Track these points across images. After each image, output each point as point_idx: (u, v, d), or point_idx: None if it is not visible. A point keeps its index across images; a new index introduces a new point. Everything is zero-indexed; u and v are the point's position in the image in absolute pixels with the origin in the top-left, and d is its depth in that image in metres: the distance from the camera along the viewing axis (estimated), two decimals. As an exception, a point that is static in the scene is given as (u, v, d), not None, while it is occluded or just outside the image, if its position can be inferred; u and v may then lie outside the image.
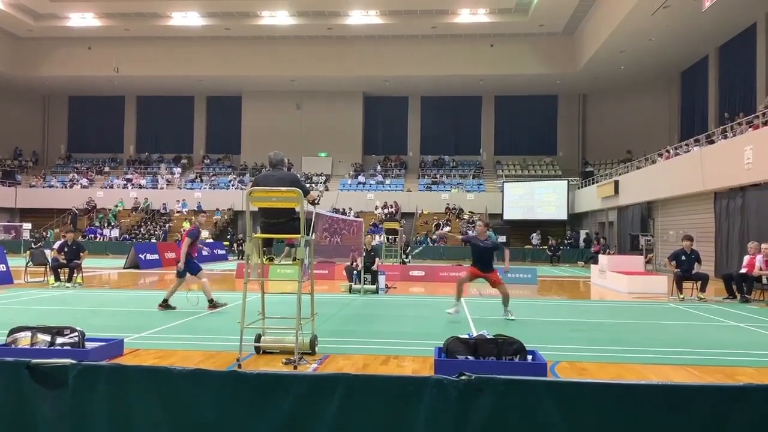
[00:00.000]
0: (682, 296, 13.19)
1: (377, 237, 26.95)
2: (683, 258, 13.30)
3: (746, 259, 13.38)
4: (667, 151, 25.18)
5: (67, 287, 13.99)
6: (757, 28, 24.08)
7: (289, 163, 32.85)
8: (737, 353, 7.29)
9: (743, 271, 13.23)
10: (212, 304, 10.31)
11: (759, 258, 12.88)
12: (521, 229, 34.41)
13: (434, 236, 31.42)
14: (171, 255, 23.66)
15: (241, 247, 29.16)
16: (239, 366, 5.91)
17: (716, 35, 26.22)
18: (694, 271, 13.27)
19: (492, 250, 10.02)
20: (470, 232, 9.50)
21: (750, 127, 18.83)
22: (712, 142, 21.25)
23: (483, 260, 9.97)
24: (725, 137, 20.42)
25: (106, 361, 5.58)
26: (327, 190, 35.67)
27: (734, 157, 17.87)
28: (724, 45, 27.04)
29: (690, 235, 14.02)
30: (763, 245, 12.97)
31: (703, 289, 13.20)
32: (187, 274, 10.39)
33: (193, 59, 36.53)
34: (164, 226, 35.06)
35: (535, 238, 33.25)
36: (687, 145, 23.80)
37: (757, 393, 2.95)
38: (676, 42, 27.26)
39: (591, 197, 32.31)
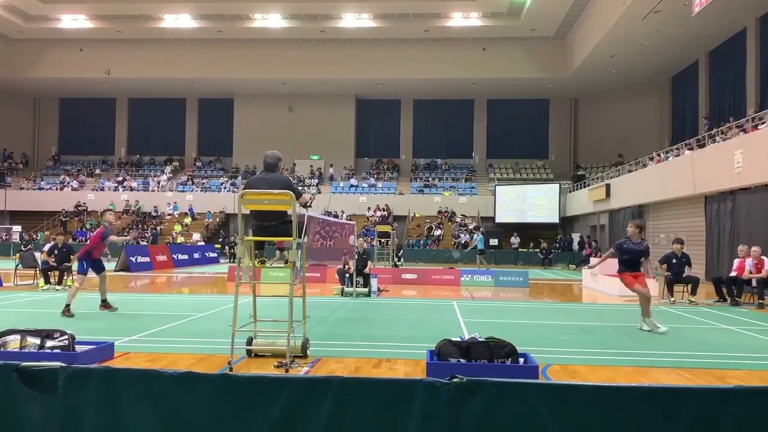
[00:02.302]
0: (672, 299, 13.24)
1: (362, 240, 26.90)
2: (674, 261, 13.37)
3: (736, 262, 13.46)
4: (658, 155, 25.32)
5: (57, 290, 13.89)
6: (747, 33, 24.28)
7: (291, 171, 32.25)
8: (727, 356, 7.33)
9: (733, 274, 13.31)
10: (67, 309, 9.68)
11: (749, 261, 12.96)
12: (511, 232, 34.48)
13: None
14: (162, 258, 23.58)
15: (232, 250, 29.06)
16: (230, 369, 5.89)
17: (706, 40, 26.41)
18: (684, 275, 13.34)
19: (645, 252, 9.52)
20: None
21: (740, 131, 18.97)
22: (702, 146, 21.39)
23: (636, 263, 9.42)
24: (714, 141, 20.57)
25: (97, 364, 5.54)
26: (319, 192, 35.65)
27: (724, 161, 17.99)
28: (715, 50, 27.24)
29: (681, 239, 14.10)
30: (753, 249, 13.04)
31: (693, 293, 13.27)
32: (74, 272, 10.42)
33: (184, 61, 36.45)
34: (155, 229, 34.89)
35: (515, 241, 33.11)
36: (678, 149, 23.95)
37: (747, 395, 2.96)
38: (667, 46, 27.45)
39: (582, 201, 32.42)
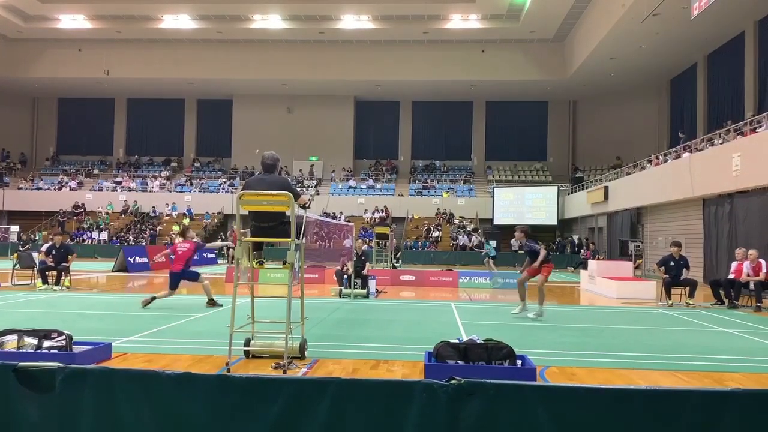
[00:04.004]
0: (670, 302, 13.26)
1: (360, 241, 26.87)
2: (672, 264, 13.38)
3: (734, 265, 13.48)
4: (657, 158, 25.35)
5: (55, 290, 13.87)
6: (745, 37, 24.32)
7: (287, 172, 31.91)
8: (725, 359, 7.33)
9: (731, 277, 13.32)
10: (211, 302, 11.31)
11: (746, 264, 12.97)
12: (512, 234, 34.41)
13: None
14: (160, 259, 23.49)
15: (230, 251, 29.02)
16: (228, 370, 5.88)
17: (705, 43, 26.46)
18: (682, 277, 13.35)
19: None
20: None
21: (738, 134, 18.99)
22: (701, 149, 21.42)
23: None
24: (712, 144, 20.60)
25: (94, 364, 5.53)
26: (318, 194, 35.63)
27: (722, 164, 18.01)
28: (713, 53, 27.29)
29: (678, 241, 14.11)
30: (750, 251, 13.06)
31: (691, 295, 13.28)
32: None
33: (184, 62, 36.43)
34: (153, 230, 34.86)
35: (514, 244, 33.16)
36: (676, 151, 23.99)
37: (744, 398, 2.96)
38: (666, 49, 27.48)
39: (581, 203, 32.45)
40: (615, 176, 29.52)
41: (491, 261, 25.36)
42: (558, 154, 40.34)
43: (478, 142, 41.27)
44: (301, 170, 40.30)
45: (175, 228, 34.81)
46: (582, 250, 30.70)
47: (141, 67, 36.51)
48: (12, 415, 3.25)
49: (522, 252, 11.52)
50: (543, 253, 10.73)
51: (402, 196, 37.83)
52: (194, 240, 12.32)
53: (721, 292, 13.34)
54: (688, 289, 13.36)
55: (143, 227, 35.61)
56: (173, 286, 11.40)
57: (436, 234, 34.45)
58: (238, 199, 6.15)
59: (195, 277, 11.61)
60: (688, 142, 22.89)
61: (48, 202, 37.51)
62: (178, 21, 33.47)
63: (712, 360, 7.26)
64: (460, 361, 5.69)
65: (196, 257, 12.42)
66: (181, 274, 11.46)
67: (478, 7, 31.03)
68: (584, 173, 37.23)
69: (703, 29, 24.29)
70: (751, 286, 12.84)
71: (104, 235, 34.46)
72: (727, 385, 5.90)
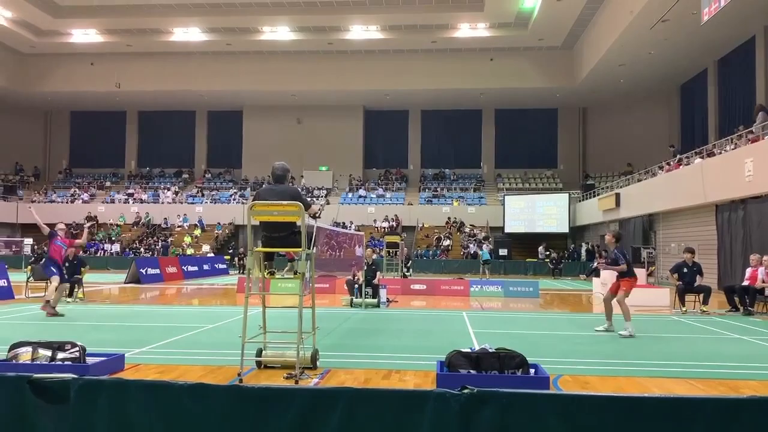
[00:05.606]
0: (684, 309, 13.14)
1: (370, 250, 26.87)
2: (685, 270, 13.27)
3: (749, 271, 13.35)
4: (668, 164, 25.21)
5: (68, 302, 13.95)
6: (755, 41, 24.22)
7: (292, 179, 31.46)
8: (740, 366, 7.25)
9: (745, 283, 13.20)
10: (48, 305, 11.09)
11: (761, 270, 12.85)
12: (523, 242, 34.40)
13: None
14: (172, 269, 23.65)
15: (242, 261, 29.14)
16: (240, 380, 5.89)
17: (715, 48, 26.36)
18: (696, 284, 13.23)
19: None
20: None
21: (749, 141, 18.87)
22: (712, 154, 21.30)
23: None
24: (724, 150, 20.48)
25: (108, 376, 5.56)
26: (328, 203, 35.69)
27: (735, 169, 17.89)
28: (723, 58, 27.17)
29: (691, 248, 13.99)
30: (765, 257, 12.93)
31: (705, 302, 13.15)
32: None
33: (194, 74, 36.74)
34: (165, 241, 35.03)
35: (542, 252, 32.96)
36: (687, 157, 23.86)
37: (760, 405, 2.93)
38: (676, 55, 27.39)
39: (592, 210, 32.29)
40: (626, 183, 29.38)
41: (484, 266, 25.55)
42: (568, 162, 40.22)
43: (487, 150, 41.25)
44: (301, 179, 40.41)
45: (187, 239, 34.99)
46: (595, 258, 30.49)
47: (152, 80, 36.86)
48: (27, 427, 3.27)
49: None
50: (623, 267, 9.94)
51: (412, 204, 37.84)
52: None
53: (736, 299, 13.21)
54: (701, 295, 13.23)
55: (155, 239, 35.80)
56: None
57: (446, 243, 34.40)
58: (249, 210, 6.17)
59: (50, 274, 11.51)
60: (688, 152, 22.75)
61: (61, 214, 37.63)
62: (188, 34, 33.79)
63: (727, 367, 7.18)
64: (472, 371, 5.67)
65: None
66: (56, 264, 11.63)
67: (486, 15, 31.08)
68: (595, 180, 37.06)
69: (713, 34, 24.20)
70: (766, 293, 12.71)
71: (116, 247, 34.67)
72: (743, 392, 5.84)
